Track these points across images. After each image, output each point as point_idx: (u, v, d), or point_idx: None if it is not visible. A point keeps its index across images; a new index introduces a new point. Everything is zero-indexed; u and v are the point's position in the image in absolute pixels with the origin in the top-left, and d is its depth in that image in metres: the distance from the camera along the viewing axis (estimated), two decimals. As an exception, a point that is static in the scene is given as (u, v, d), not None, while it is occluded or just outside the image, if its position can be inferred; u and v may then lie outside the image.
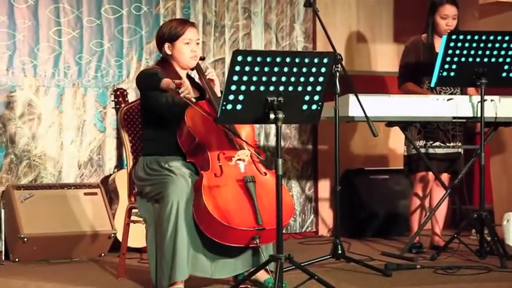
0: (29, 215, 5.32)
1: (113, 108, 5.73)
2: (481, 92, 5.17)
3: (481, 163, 5.19)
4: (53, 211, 5.40)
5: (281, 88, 3.96)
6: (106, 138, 5.90)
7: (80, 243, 5.39)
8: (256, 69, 3.90)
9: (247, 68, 3.88)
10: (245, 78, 3.89)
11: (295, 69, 3.97)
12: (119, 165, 5.83)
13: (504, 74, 5.25)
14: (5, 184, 5.55)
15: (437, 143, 5.59)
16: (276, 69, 3.93)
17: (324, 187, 6.61)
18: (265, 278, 4.20)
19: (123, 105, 5.13)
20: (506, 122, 5.45)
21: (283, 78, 3.96)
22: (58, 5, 5.77)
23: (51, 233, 5.32)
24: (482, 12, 6.24)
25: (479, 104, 5.18)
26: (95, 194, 5.57)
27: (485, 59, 5.16)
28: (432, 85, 5.28)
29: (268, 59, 3.91)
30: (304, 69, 3.99)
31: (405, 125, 5.43)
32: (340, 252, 4.92)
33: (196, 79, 4.54)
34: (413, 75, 5.61)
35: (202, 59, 4.46)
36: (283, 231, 4.04)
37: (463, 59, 5.14)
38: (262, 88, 3.93)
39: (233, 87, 3.90)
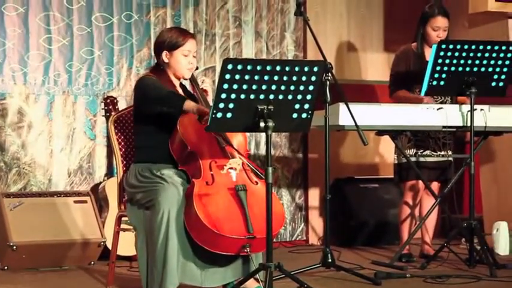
0: (19, 223, 5.30)
1: (103, 116, 5.72)
2: (471, 102, 5.18)
3: (471, 172, 5.20)
4: (43, 219, 5.38)
5: (271, 96, 3.97)
6: (96, 146, 5.89)
7: (70, 252, 5.37)
8: (247, 77, 3.90)
9: (237, 76, 3.89)
10: (235, 86, 3.90)
11: (285, 78, 3.97)
12: (109, 173, 5.82)
13: (494, 84, 5.26)
14: (-6, 192, 5.54)
15: (427, 152, 5.60)
16: (266, 77, 3.93)
17: (314, 196, 6.61)
18: (255, 287, 4.19)
19: (113, 113, 5.13)
20: (495, 131, 5.46)
21: (274, 87, 3.96)
22: (48, 13, 5.76)
23: (41, 241, 5.30)
24: (472, 21, 6.27)
25: (469, 113, 5.19)
26: (85, 202, 5.55)
27: (475, 68, 5.18)
28: (422, 94, 5.28)
29: (258, 68, 3.91)
30: (295, 78, 3.99)
31: (395, 133, 5.44)
32: (330, 260, 4.92)
33: (188, 87, 4.54)
34: (404, 83, 5.62)
35: (196, 68, 4.47)
36: (274, 240, 4.04)
37: (452, 68, 5.15)
38: (252, 96, 3.94)
39: (223, 96, 3.90)
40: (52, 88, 5.78)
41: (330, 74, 4.84)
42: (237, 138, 4.37)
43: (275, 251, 4.08)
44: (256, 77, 3.92)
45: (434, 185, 5.65)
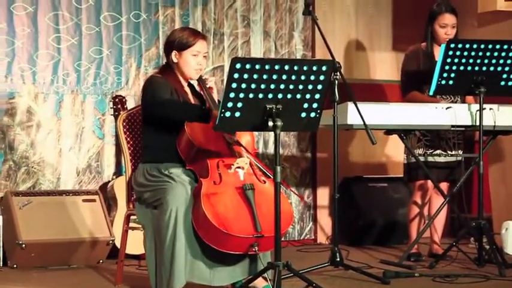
0: (27, 222, 5.31)
1: (111, 115, 5.73)
2: (480, 101, 5.17)
3: (480, 171, 5.19)
4: (51, 218, 5.40)
5: (280, 96, 3.97)
6: (105, 145, 5.90)
7: (78, 250, 5.38)
8: (255, 76, 3.90)
9: (245, 76, 3.89)
10: (244, 85, 3.90)
11: (293, 77, 3.97)
12: (118, 172, 5.83)
13: (503, 83, 5.25)
14: (3, 191, 5.55)
15: (438, 151, 5.59)
16: (274, 76, 3.93)
17: (323, 195, 6.60)
18: (264, 286, 4.20)
19: (122, 112, 5.15)
20: (504, 131, 5.45)
21: (282, 86, 3.96)
22: (57, 12, 5.77)
23: (50, 239, 5.31)
24: (481, 21, 6.25)
25: (478, 112, 5.19)
26: (94, 200, 5.56)
27: (484, 68, 5.16)
28: (431, 93, 5.27)
29: (266, 67, 3.91)
30: (303, 77, 3.99)
31: (404, 133, 5.43)
32: (338, 259, 4.92)
33: (196, 86, 4.54)
34: (415, 83, 5.60)
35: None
36: (282, 239, 4.04)
37: (461, 68, 5.14)
38: (260, 96, 3.94)
39: (232, 95, 3.90)
40: (61, 87, 5.79)
41: (338, 73, 4.84)
42: (244, 138, 4.37)
43: (283, 250, 4.08)
44: (264, 76, 3.92)
45: (443, 185, 5.64)
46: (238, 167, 4.21)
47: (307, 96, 4.03)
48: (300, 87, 4.00)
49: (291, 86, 3.98)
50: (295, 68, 3.97)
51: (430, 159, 5.58)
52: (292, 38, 6.56)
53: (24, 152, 5.68)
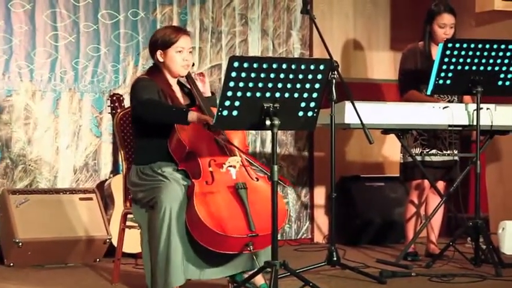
0: (24, 220, 5.31)
1: (109, 113, 5.73)
2: (477, 100, 5.17)
3: (477, 171, 5.20)
4: (48, 216, 5.39)
5: (277, 94, 3.96)
6: (102, 143, 5.89)
7: (75, 248, 5.38)
8: (253, 75, 3.90)
9: (243, 74, 3.88)
10: (241, 84, 3.89)
11: (291, 76, 3.97)
12: (115, 170, 5.82)
13: (500, 83, 5.25)
14: (0, 189, 5.54)
15: (433, 151, 5.59)
16: (272, 75, 3.93)
17: (320, 194, 6.60)
18: (261, 284, 4.19)
19: (119, 110, 5.13)
20: (501, 131, 5.46)
21: (280, 85, 3.96)
22: (55, 10, 5.77)
23: (46, 237, 5.31)
24: (479, 20, 6.26)
25: (475, 112, 5.19)
26: (90, 199, 5.56)
27: (482, 67, 5.17)
28: (428, 93, 5.28)
29: (264, 65, 3.91)
30: (301, 76, 3.99)
31: (401, 132, 5.43)
32: (335, 259, 4.92)
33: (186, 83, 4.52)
34: (413, 82, 5.60)
35: (192, 65, 4.43)
36: (278, 238, 4.03)
37: (459, 67, 5.14)
38: (258, 94, 3.93)
39: (229, 93, 3.89)
40: (58, 85, 5.79)
41: (336, 72, 4.84)
42: (236, 135, 4.35)
43: (280, 249, 4.07)
44: (262, 75, 3.91)
45: (440, 184, 5.64)
46: (230, 166, 4.20)
47: (305, 95, 4.03)
48: (298, 86, 3.99)
49: (289, 85, 3.97)
50: (293, 66, 3.96)
51: (426, 158, 5.58)
52: (290, 37, 6.56)
53: (21, 150, 5.68)
